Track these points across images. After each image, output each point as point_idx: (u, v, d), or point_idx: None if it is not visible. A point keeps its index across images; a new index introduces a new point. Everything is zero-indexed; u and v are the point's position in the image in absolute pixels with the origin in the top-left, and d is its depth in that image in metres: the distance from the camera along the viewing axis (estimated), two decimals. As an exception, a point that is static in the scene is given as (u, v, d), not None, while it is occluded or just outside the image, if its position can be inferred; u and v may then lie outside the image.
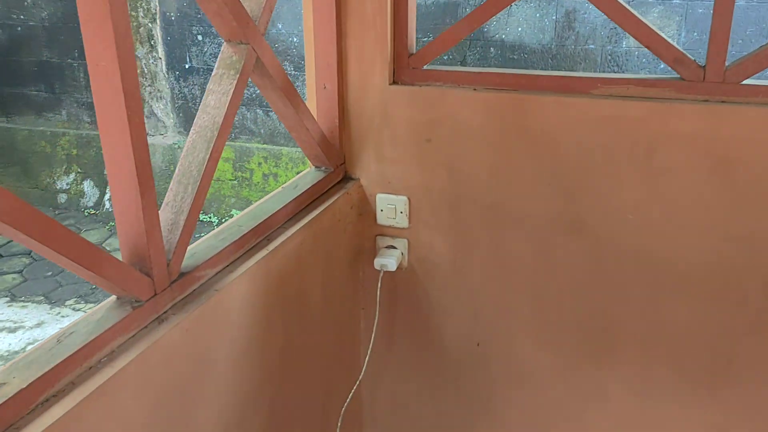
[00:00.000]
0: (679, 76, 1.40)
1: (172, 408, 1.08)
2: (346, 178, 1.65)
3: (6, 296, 4.20)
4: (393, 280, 1.69)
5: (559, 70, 4.42)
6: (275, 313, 1.34)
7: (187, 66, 5.12)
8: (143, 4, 5.06)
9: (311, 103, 1.59)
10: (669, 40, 1.40)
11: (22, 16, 5.36)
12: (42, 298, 4.18)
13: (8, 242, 4.79)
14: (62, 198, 5.49)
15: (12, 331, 3.82)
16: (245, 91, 4.95)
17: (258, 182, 5.09)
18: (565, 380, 1.65)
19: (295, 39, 4.82)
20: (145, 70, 5.20)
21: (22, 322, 3.91)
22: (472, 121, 1.51)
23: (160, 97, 5.25)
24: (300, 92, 1.41)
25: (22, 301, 4.15)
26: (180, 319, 1.07)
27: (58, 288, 4.28)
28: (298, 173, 1.59)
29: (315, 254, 1.49)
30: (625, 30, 1.41)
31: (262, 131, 5.09)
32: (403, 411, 1.83)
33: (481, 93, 1.50)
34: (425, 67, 1.55)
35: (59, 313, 4.01)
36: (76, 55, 5.31)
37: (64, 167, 5.51)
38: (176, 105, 5.24)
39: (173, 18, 5.05)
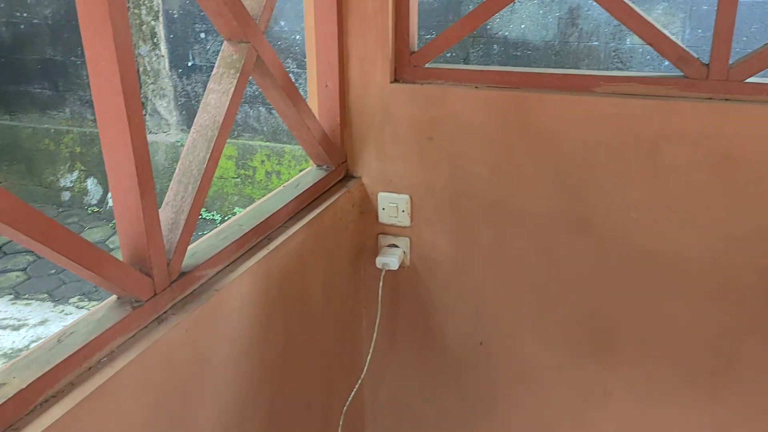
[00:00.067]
0: (682, 74, 1.39)
1: (172, 408, 1.08)
2: (348, 177, 1.65)
3: (10, 294, 4.21)
4: (395, 278, 1.68)
5: (562, 67, 4.40)
6: (276, 313, 1.34)
7: (190, 64, 5.12)
8: (146, 2, 5.06)
9: (313, 102, 1.58)
10: (672, 37, 1.39)
11: (25, 14, 5.37)
12: (45, 295, 4.19)
13: (11, 240, 4.79)
14: (66, 196, 5.50)
15: (16, 328, 3.83)
16: (248, 89, 4.96)
17: (261, 180, 5.09)
18: (566, 379, 1.65)
19: (297, 36, 4.81)
20: (148, 67, 5.20)
21: (26, 319, 3.92)
22: (474, 119, 1.51)
23: (163, 95, 5.25)
24: (303, 90, 1.40)
25: (26, 298, 4.16)
26: (180, 319, 1.07)
27: (62, 285, 4.29)
28: (301, 171, 1.59)
29: (316, 253, 1.48)
30: (629, 27, 1.40)
31: (265, 129, 5.09)
32: (405, 410, 1.82)
33: (483, 91, 1.49)
34: (427, 65, 1.55)
35: (63, 310, 4.02)
36: (80, 52, 5.31)
37: (68, 165, 5.51)
38: (179, 103, 5.24)
39: (176, 15, 5.05)
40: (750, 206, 1.38)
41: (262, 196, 1.52)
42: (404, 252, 1.65)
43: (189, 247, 1.15)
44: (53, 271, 4.44)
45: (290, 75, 4.80)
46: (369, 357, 1.66)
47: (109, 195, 5.37)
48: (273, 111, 5.01)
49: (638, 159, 1.42)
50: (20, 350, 3.61)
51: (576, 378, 1.64)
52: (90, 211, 5.37)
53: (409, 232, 1.64)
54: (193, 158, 1.15)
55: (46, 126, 5.57)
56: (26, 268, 4.52)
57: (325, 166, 1.59)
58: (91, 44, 0.91)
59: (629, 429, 1.63)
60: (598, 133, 1.43)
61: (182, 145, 5.22)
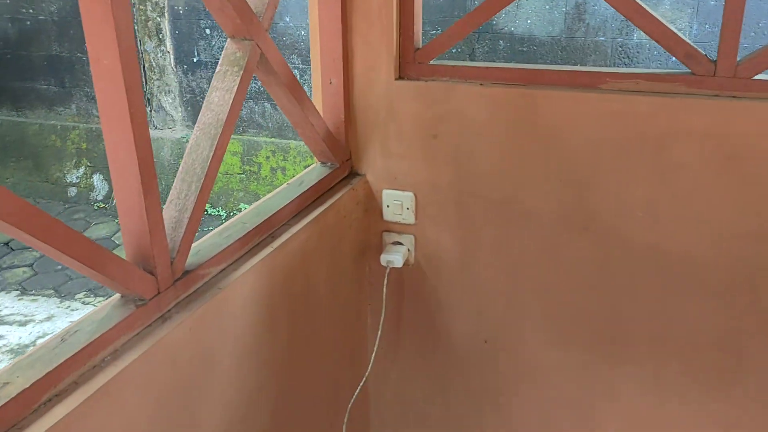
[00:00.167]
0: (689, 70, 1.38)
1: (177, 406, 1.08)
2: (352, 174, 1.64)
3: (17, 290, 4.23)
4: (399, 276, 1.68)
5: (568, 62, 4.38)
6: (280, 311, 1.34)
7: (195, 60, 5.12)
8: (151, -2, 5.06)
9: (317, 98, 1.58)
10: (680, 33, 1.37)
11: (31, 11, 5.38)
12: (52, 291, 4.21)
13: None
14: (72, 192, 5.51)
15: (22, 324, 3.84)
16: (253, 85, 4.95)
17: (266, 176, 5.09)
18: (573, 378, 1.64)
19: (303, 32, 4.80)
20: (154, 64, 5.21)
21: (33, 315, 3.94)
22: (478, 117, 1.50)
23: (169, 91, 5.26)
24: (308, 86, 1.40)
25: (33, 294, 4.18)
26: (184, 317, 1.07)
27: (68, 281, 4.30)
28: (306, 167, 1.58)
29: (320, 251, 1.48)
30: (635, 24, 1.38)
31: (270, 125, 5.09)
32: (410, 408, 1.82)
33: (488, 88, 1.49)
34: (432, 61, 1.54)
35: (69, 306, 4.03)
36: (86, 49, 5.31)
37: (74, 161, 5.53)
38: (184, 99, 5.24)
39: (181, 12, 5.05)
40: (757, 204, 1.37)
41: (267, 192, 1.51)
42: (409, 250, 1.65)
43: (193, 245, 1.15)
44: (59, 267, 4.45)
45: (295, 71, 4.80)
46: (373, 355, 1.66)
47: (115, 191, 5.38)
48: (278, 107, 5.01)
49: (644, 156, 1.41)
50: (27, 346, 3.63)
51: (583, 376, 1.63)
52: (96, 207, 5.38)
53: (413, 230, 1.64)
54: (197, 156, 1.15)
55: (52, 122, 5.59)
56: (33, 264, 4.54)
57: (329, 164, 1.58)
58: (94, 42, 0.91)
59: (636, 427, 1.63)
60: (604, 130, 1.42)
61: (187, 141, 5.22)
